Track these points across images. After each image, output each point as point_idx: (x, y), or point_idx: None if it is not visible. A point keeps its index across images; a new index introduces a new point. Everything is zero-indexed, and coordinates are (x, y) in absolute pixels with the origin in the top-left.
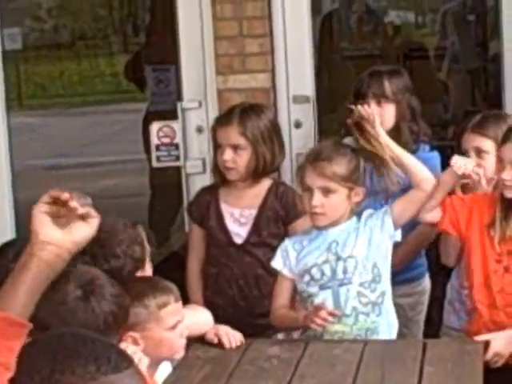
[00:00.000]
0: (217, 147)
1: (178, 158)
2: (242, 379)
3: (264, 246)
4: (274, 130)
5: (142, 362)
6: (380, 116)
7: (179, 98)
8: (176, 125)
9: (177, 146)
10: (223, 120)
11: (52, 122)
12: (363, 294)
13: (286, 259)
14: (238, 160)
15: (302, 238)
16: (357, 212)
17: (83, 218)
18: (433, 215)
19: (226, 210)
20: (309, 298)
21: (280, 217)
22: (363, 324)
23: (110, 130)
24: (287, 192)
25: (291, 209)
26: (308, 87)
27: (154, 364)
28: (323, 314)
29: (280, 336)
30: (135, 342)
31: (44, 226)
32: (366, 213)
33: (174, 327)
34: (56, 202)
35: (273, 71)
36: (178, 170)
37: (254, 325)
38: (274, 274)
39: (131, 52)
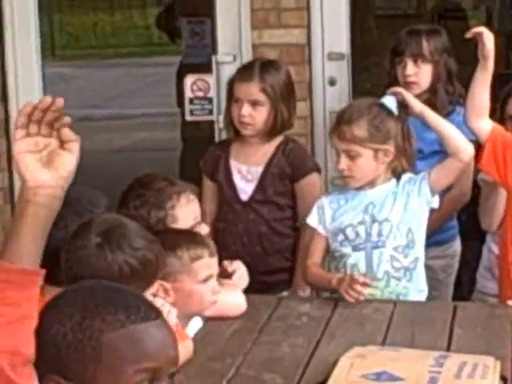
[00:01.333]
0: (232, 101)
1: (211, 111)
2: (272, 335)
3: (269, 203)
4: (291, 86)
5: (170, 313)
6: (416, 75)
7: (214, 51)
8: (210, 78)
9: (210, 100)
10: (243, 75)
11: (84, 73)
12: (396, 258)
13: (321, 216)
14: (256, 116)
15: (339, 196)
16: (398, 174)
17: (62, 144)
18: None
19: (234, 165)
20: (341, 259)
21: (286, 174)
22: (394, 288)
23: (143, 82)
24: (295, 149)
25: (298, 166)
26: (343, 44)
27: (185, 318)
28: (358, 287)
29: (285, 294)
30: (166, 292)
31: (29, 171)
32: (404, 177)
33: (205, 281)
34: (30, 118)
35: (308, 27)
36: (210, 124)
37: (259, 282)
38: (278, 232)
39: (165, 4)
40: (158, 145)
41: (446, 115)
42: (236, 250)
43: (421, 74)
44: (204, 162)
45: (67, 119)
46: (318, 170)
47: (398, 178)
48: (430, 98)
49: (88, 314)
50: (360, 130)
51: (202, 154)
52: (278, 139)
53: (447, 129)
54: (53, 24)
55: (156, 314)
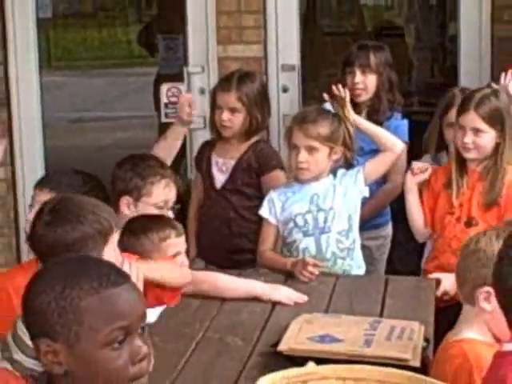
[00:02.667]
0: (215, 107)
1: None
2: (234, 304)
3: (238, 193)
4: (264, 94)
5: (139, 279)
6: (363, 83)
7: (185, 63)
8: (182, 86)
9: None
10: (223, 86)
11: (76, 81)
12: (340, 240)
13: (271, 208)
14: (234, 120)
15: (285, 190)
16: (332, 170)
17: None
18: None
19: (213, 158)
20: (293, 244)
21: (253, 168)
22: (340, 267)
23: (125, 89)
24: (264, 148)
25: (264, 162)
26: (294, 58)
27: None
28: (310, 268)
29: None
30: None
31: None
32: (340, 171)
33: (174, 257)
34: None
35: (265, 43)
36: None
37: (226, 259)
38: (245, 218)
39: (144, 22)
40: (139, 143)
41: (387, 119)
42: (209, 231)
43: (367, 82)
44: (196, 157)
45: None
46: (282, 168)
47: (334, 173)
48: (374, 104)
49: (67, 284)
50: (324, 129)
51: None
52: (254, 139)
53: (377, 131)
54: (49, 39)
55: (125, 279)
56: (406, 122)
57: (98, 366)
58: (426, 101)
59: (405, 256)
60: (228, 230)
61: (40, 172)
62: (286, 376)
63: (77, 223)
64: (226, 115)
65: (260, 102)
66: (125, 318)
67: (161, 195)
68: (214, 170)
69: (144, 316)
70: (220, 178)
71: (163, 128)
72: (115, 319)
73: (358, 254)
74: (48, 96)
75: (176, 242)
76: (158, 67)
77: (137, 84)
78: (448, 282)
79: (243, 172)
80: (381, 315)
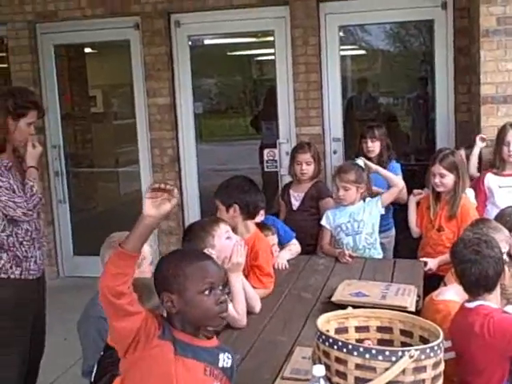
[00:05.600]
0: (294, 163)
1: (276, 166)
2: (306, 274)
3: (306, 211)
4: (319, 155)
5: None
6: (373, 147)
7: (277, 136)
8: (276, 150)
9: (276, 161)
10: (301, 150)
11: (217, 149)
12: (368, 239)
13: (328, 220)
14: (309, 169)
15: (335, 209)
16: (362, 198)
17: (169, 199)
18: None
19: (291, 193)
20: (340, 240)
21: (315, 196)
22: (368, 253)
23: (244, 152)
24: (320, 185)
25: (321, 193)
26: (339, 133)
27: None
28: (347, 256)
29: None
30: None
31: (146, 206)
32: (367, 199)
33: (272, 246)
34: (155, 189)
35: (322, 125)
36: (276, 173)
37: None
38: (309, 226)
39: (254, 114)
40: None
41: (386, 165)
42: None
43: (374, 146)
44: (281, 192)
45: (175, 190)
46: (331, 197)
47: (364, 200)
48: (379, 158)
49: (179, 259)
50: (352, 176)
51: (272, 188)
52: (314, 180)
53: (388, 174)
54: (201, 125)
55: (210, 258)
56: (398, 164)
57: (197, 305)
58: (418, 158)
59: (407, 247)
60: (303, 234)
61: (197, 200)
62: (335, 315)
63: None
64: (305, 167)
65: (318, 159)
66: (211, 277)
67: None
68: (292, 199)
69: (223, 279)
70: (295, 203)
71: (265, 175)
72: (206, 278)
73: (378, 246)
74: (202, 157)
75: (272, 238)
76: (261, 140)
77: (251, 150)
78: (431, 264)
79: (309, 199)
80: (391, 282)
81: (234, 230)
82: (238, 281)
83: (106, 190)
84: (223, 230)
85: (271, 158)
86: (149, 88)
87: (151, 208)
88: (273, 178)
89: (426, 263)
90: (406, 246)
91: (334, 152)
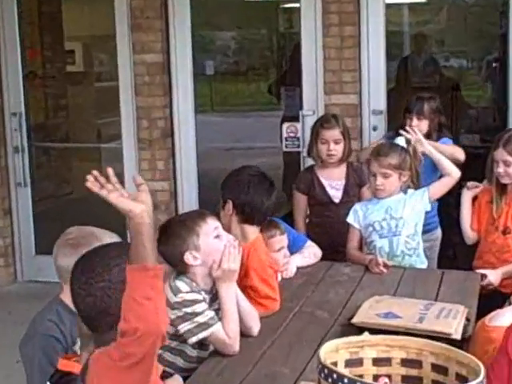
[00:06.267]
0: (318, 141)
1: (299, 146)
2: (324, 287)
3: (350, 202)
4: (349, 131)
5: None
6: (418, 126)
7: (301, 107)
8: (298, 125)
9: (298, 139)
10: (327, 125)
11: (231, 121)
12: (408, 242)
13: (355, 216)
14: (338, 149)
15: (366, 203)
16: (403, 189)
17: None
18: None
19: (325, 181)
20: (372, 243)
21: (356, 183)
22: (407, 261)
23: (265, 126)
24: (359, 167)
25: (362, 177)
26: (382, 104)
27: None
28: (380, 267)
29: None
30: None
31: (130, 204)
32: (410, 190)
33: (279, 250)
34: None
35: (360, 93)
36: (298, 154)
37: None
38: None
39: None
40: (273, 165)
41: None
42: (331, 235)
43: (421, 125)
44: (297, 184)
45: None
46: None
47: (405, 191)
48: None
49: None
50: (393, 160)
51: (293, 170)
52: (344, 164)
53: (441, 159)
54: (211, 90)
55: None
56: (450, 141)
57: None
58: (485, 139)
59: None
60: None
61: (194, 185)
62: (348, 341)
63: None
64: (332, 146)
65: (349, 136)
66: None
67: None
68: (328, 189)
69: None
70: (336, 194)
71: (285, 157)
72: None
73: (422, 253)
74: (209, 131)
75: (280, 239)
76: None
77: (273, 124)
78: (492, 277)
79: (352, 187)
80: (436, 299)
81: (228, 230)
82: (229, 293)
83: (85, 171)
84: (211, 226)
85: (292, 134)
86: (135, 41)
87: (128, 203)
88: (294, 160)
89: (484, 276)
90: (456, 252)
91: (374, 128)
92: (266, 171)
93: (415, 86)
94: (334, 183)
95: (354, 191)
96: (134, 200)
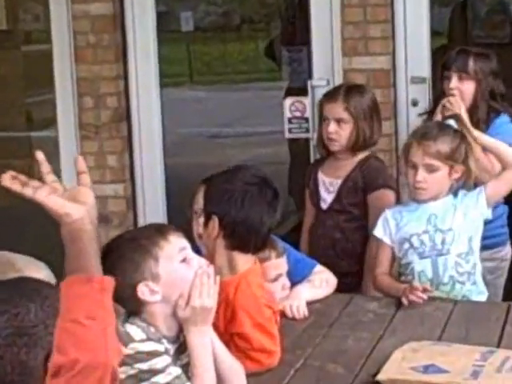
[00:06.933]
0: (322, 121)
1: (307, 130)
2: (340, 330)
3: (345, 213)
4: (375, 108)
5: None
6: (459, 90)
7: (310, 76)
8: (306, 100)
9: (306, 120)
10: (329, 96)
11: (214, 96)
12: (460, 264)
13: (386, 228)
14: (340, 132)
15: (401, 208)
16: (453, 190)
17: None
18: None
19: (320, 178)
20: (409, 266)
21: (359, 187)
22: (459, 292)
23: (268, 103)
24: (372, 165)
25: (370, 180)
26: (425, 69)
27: None
28: (418, 293)
29: None
30: None
31: (66, 206)
32: (461, 191)
33: (274, 280)
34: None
35: (393, 54)
36: (307, 142)
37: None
38: (351, 240)
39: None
40: (275, 159)
41: (486, 126)
42: (315, 251)
43: (463, 89)
44: (306, 180)
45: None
46: (390, 187)
47: (455, 192)
48: (472, 114)
49: None
50: (444, 146)
51: (302, 167)
52: (362, 155)
53: (499, 147)
54: (190, 53)
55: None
56: (509, 119)
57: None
58: None
59: None
60: (333, 252)
61: (160, 188)
62: None
63: None
64: (332, 127)
65: (369, 116)
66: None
67: None
68: (321, 190)
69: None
70: (326, 198)
71: (292, 144)
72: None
73: (479, 279)
74: (185, 112)
75: (277, 264)
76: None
77: (276, 98)
78: None
79: (348, 192)
80: (498, 345)
81: (212, 258)
82: (203, 342)
83: (9, 169)
84: (175, 246)
85: (298, 114)
86: None
87: (63, 205)
88: (301, 150)
89: None
90: None
91: (414, 103)
92: (267, 167)
93: (478, 41)
94: (331, 182)
95: (350, 199)
96: (73, 200)
